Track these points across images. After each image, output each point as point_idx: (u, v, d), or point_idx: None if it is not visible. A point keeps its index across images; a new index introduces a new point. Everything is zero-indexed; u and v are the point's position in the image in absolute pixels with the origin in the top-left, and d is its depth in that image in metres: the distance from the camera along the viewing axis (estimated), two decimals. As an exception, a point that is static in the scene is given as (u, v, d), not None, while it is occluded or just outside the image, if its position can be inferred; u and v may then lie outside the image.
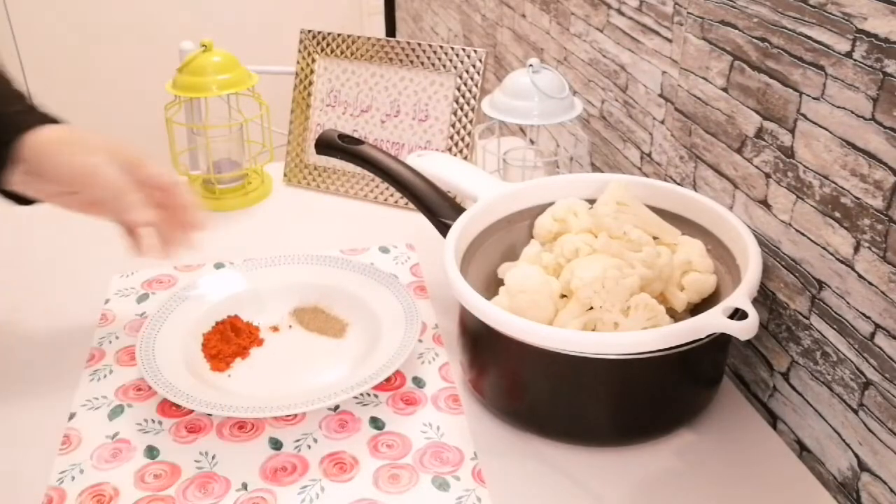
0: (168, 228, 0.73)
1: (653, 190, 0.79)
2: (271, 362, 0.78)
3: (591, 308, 0.65)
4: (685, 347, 0.61)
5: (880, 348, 0.58)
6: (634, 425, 0.67)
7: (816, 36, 0.61)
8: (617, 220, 0.72)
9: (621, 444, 0.67)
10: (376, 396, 0.73)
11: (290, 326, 0.82)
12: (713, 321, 0.60)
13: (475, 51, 1.03)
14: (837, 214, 0.61)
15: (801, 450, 0.68)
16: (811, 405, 0.67)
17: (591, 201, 0.77)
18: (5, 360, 0.79)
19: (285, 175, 1.14)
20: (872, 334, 0.59)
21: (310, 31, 1.12)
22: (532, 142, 1.06)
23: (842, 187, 0.60)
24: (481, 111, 0.97)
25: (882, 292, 0.57)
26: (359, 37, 1.09)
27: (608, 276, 0.64)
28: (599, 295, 0.64)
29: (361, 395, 0.73)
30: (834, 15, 0.58)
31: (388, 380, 0.74)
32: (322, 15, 2.46)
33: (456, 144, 1.04)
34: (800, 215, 0.65)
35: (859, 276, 0.59)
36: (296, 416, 0.70)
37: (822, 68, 0.60)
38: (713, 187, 0.78)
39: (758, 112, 0.69)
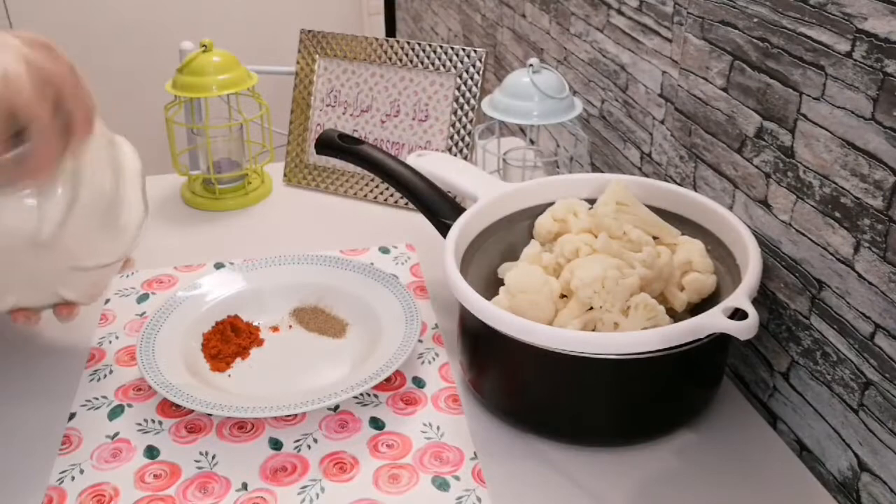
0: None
1: (653, 190, 0.79)
2: (271, 362, 0.78)
3: (591, 308, 0.65)
4: (685, 347, 0.61)
5: (880, 348, 0.58)
6: (634, 425, 0.67)
7: (816, 36, 0.61)
8: (617, 220, 0.72)
9: (621, 444, 0.67)
10: (376, 396, 0.73)
11: (290, 326, 0.82)
12: (713, 321, 0.60)
13: (475, 51, 1.03)
14: (837, 214, 0.61)
15: (801, 450, 0.68)
16: (811, 405, 0.67)
17: (591, 201, 0.77)
18: (5, 361, 0.79)
19: (285, 175, 1.14)
20: (872, 334, 0.59)
21: (310, 31, 1.12)
22: (532, 142, 1.07)
23: (842, 187, 0.60)
24: (481, 111, 0.97)
25: (882, 292, 0.57)
26: (359, 37, 1.09)
27: (608, 276, 0.64)
28: (599, 295, 0.64)
29: (361, 395, 0.73)
30: (834, 15, 0.58)
31: (388, 380, 0.74)
32: (322, 15, 2.46)
33: (456, 144, 1.04)
34: (800, 215, 0.65)
35: (859, 276, 0.59)
36: (296, 416, 0.70)
37: (822, 68, 0.60)
38: (713, 187, 0.78)
39: (758, 112, 0.69)
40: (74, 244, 0.67)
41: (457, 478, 0.64)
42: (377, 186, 1.08)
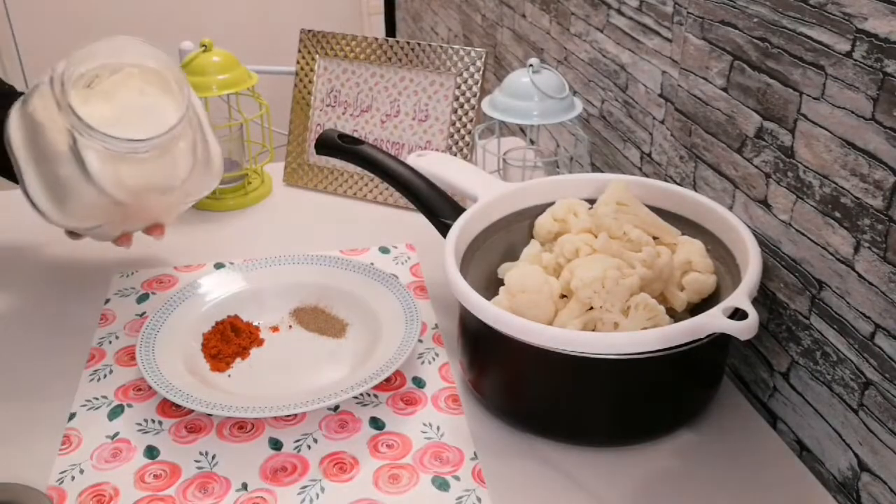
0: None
1: (653, 190, 0.79)
2: (271, 362, 0.78)
3: (591, 308, 0.65)
4: (685, 347, 0.61)
5: (880, 348, 0.58)
6: (634, 425, 0.67)
7: (816, 36, 0.61)
8: (617, 220, 0.72)
9: (621, 444, 0.67)
10: (376, 397, 0.73)
11: (290, 326, 0.82)
12: (713, 321, 0.60)
13: (475, 51, 1.03)
14: (837, 214, 0.61)
15: (801, 450, 0.68)
16: (811, 405, 0.67)
17: (591, 201, 0.77)
18: (6, 361, 0.79)
19: (285, 175, 1.14)
20: (872, 334, 0.59)
21: (310, 31, 1.12)
22: (532, 142, 1.07)
23: (842, 187, 0.60)
24: (481, 111, 0.97)
25: (882, 292, 0.57)
26: (359, 37, 1.09)
27: (608, 276, 0.64)
28: (599, 295, 0.64)
29: (361, 395, 0.73)
30: (834, 15, 0.58)
31: (388, 380, 0.74)
32: (322, 15, 2.46)
33: (456, 144, 1.04)
34: (800, 215, 0.65)
35: (859, 276, 0.59)
36: (296, 416, 0.70)
37: (822, 68, 0.60)
38: (713, 187, 0.78)
39: (758, 112, 0.69)
40: (189, 187, 0.80)
41: (457, 478, 0.64)
42: (377, 186, 1.08)
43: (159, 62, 0.77)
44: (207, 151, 0.81)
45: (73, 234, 0.84)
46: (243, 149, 1.11)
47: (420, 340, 0.80)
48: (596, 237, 0.70)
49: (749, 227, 0.71)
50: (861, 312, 0.60)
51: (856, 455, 0.62)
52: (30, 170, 0.76)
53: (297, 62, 1.12)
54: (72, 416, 0.71)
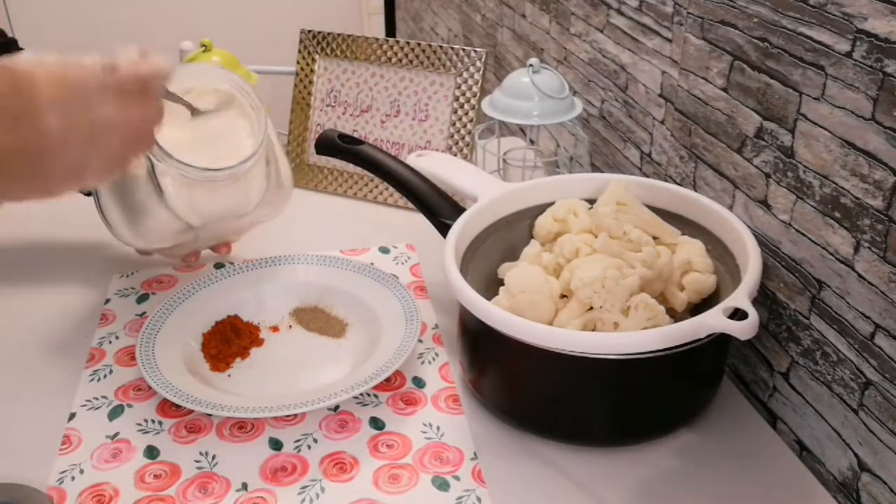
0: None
1: (653, 190, 0.79)
2: (271, 362, 0.78)
3: (591, 308, 0.65)
4: (685, 347, 0.61)
5: (880, 348, 0.58)
6: (634, 425, 0.67)
7: (816, 36, 0.61)
8: (617, 220, 0.72)
9: (621, 444, 0.67)
10: (376, 397, 0.73)
11: (290, 326, 0.82)
12: (713, 321, 0.60)
13: (475, 51, 1.03)
14: (837, 214, 0.61)
15: (801, 450, 0.68)
16: (811, 405, 0.67)
17: (591, 201, 0.77)
18: (6, 360, 0.79)
19: (285, 175, 1.14)
20: (872, 334, 0.59)
21: (310, 31, 1.12)
22: (532, 142, 1.07)
23: (842, 187, 0.60)
24: (481, 111, 0.97)
25: (882, 292, 0.57)
26: (359, 37, 1.09)
27: (608, 276, 0.64)
28: (599, 295, 0.64)
29: (361, 395, 0.73)
30: (834, 15, 0.58)
31: (388, 380, 0.74)
32: (322, 15, 2.46)
33: (456, 144, 1.04)
34: (800, 215, 0.65)
35: (859, 276, 0.59)
36: (296, 416, 0.70)
37: (822, 68, 0.60)
38: (713, 187, 0.78)
39: (758, 112, 0.69)
40: (261, 210, 0.82)
41: (457, 478, 0.64)
42: (377, 186, 1.08)
43: (235, 86, 0.78)
44: (279, 174, 0.82)
45: (144, 251, 0.85)
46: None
47: (420, 340, 0.80)
48: (596, 237, 0.70)
49: (749, 227, 0.71)
50: (861, 312, 0.60)
51: (856, 455, 0.62)
52: (105, 191, 0.77)
53: (297, 62, 1.12)
54: (72, 416, 0.71)
